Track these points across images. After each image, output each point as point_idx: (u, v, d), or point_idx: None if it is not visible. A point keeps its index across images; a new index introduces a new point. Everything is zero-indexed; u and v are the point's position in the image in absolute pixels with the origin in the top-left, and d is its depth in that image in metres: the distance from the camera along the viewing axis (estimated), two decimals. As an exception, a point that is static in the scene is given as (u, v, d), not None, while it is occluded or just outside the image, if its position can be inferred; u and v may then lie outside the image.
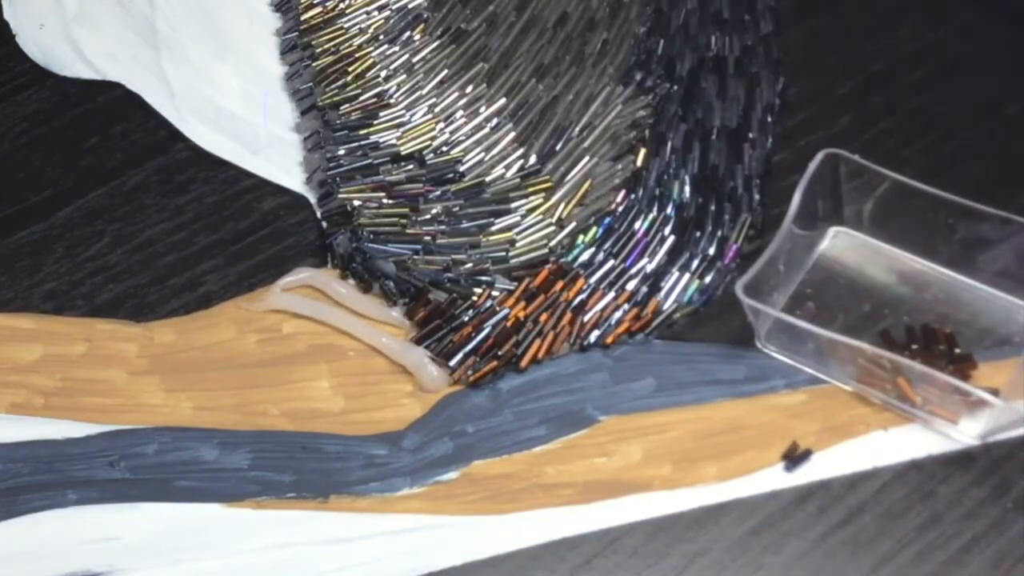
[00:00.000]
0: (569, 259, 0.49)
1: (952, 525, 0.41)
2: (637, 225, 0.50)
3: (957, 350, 0.45)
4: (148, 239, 0.51)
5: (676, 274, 0.48)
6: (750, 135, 0.52)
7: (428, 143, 0.53)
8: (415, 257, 0.49)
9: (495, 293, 0.48)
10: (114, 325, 0.48)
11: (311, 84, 0.56)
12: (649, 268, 0.49)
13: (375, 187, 0.51)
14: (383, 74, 0.56)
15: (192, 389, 0.46)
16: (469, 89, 0.55)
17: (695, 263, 0.48)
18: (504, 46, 0.56)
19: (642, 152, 0.52)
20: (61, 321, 0.49)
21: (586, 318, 0.47)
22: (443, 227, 0.50)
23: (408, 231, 0.50)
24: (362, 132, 0.54)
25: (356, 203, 0.51)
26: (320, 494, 0.43)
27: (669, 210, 0.50)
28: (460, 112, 0.54)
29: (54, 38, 0.59)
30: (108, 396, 0.46)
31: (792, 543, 0.41)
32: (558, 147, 0.52)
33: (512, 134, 0.53)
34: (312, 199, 0.52)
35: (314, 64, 0.56)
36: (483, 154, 0.53)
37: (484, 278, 0.48)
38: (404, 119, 0.54)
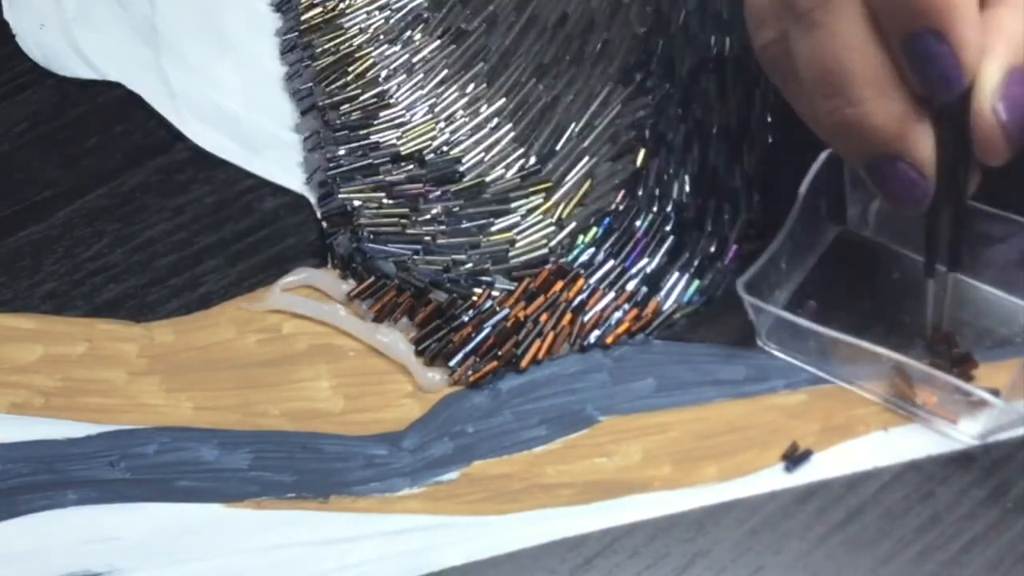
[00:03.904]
0: (569, 259, 0.49)
1: (952, 526, 0.41)
2: (637, 225, 0.50)
3: (957, 350, 0.45)
4: (148, 239, 0.51)
5: (676, 274, 0.48)
6: (750, 135, 0.52)
7: (428, 143, 0.53)
8: (415, 257, 0.49)
9: (495, 293, 0.48)
10: (114, 325, 0.48)
11: (311, 84, 0.56)
12: (649, 268, 0.48)
13: (375, 187, 0.51)
14: (383, 74, 0.56)
15: (192, 389, 0.46)
16: (469, 89, 0.55)
17: (695, 263, 0.48)
18: (504, 46, 0.56)
19: (642, 152, 0.52)
20: (61, 321, 0.49)
21: (586, 318, 0.47)
22: (443, 227, 0.50)
23: (408, 231, 0.50)
24: (362, 132, 0.54)
25: (356, 203, 0.51)
26: (320, 494, 0.43)
27: (669, 210, 0.50)
28: (460, 112, 0.54)
29: (54, 38, 0.59)
30: (108, 396, 0.46)
31: (792, 543, 0.41)
32: (558, 147, 0.52)
33: (512, 134, 0.53)
34: (312, 199, 0.52)
35: (314, 64, 0.56)
36: (483, 154, 0.53)
37: (484, 278, 0.48)
38: (404, 119, 0.54)
